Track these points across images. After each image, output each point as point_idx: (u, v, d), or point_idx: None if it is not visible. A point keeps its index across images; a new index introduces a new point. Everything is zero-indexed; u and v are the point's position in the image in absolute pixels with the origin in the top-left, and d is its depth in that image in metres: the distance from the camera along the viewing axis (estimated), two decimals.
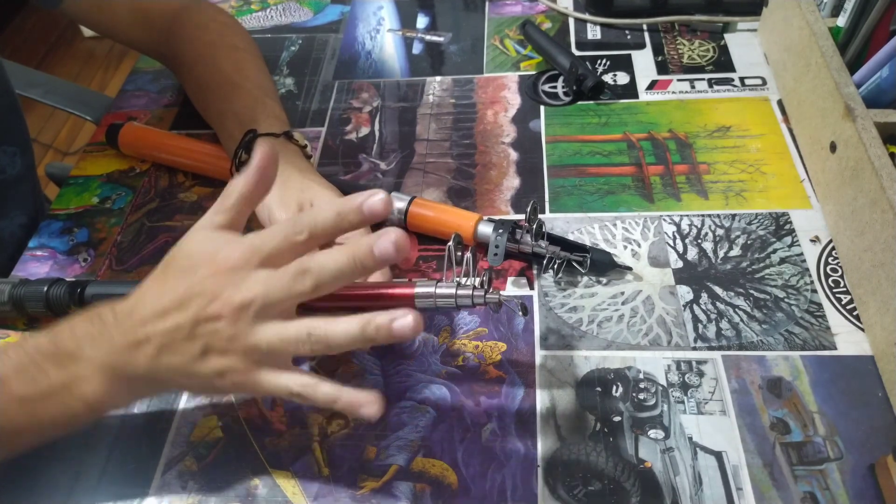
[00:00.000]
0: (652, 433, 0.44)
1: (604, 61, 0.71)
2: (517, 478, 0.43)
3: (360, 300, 0.44)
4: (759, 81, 0.66)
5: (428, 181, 0.61)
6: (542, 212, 0.57)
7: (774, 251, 0.53)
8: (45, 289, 0.50)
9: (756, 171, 0.58)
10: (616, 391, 0.46)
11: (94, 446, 0.46)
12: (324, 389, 0.37)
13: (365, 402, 0.37)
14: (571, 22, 0.76)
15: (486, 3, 0.80)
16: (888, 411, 0.44)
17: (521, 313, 0.45)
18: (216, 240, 0.39)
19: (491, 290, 0.44)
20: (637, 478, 0.42)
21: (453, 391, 0.47)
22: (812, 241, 0.53)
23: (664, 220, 0.56)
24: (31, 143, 0.71)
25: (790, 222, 0.54)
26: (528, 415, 0.45)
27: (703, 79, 0.67)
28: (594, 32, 0.75)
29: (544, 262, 0.52)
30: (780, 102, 0.64)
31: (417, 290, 0.43)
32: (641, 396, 0.46)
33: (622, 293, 0.51)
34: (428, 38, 0.77)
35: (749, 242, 0.53)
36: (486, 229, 0.53)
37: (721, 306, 0.50)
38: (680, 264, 0.53)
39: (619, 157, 0.61)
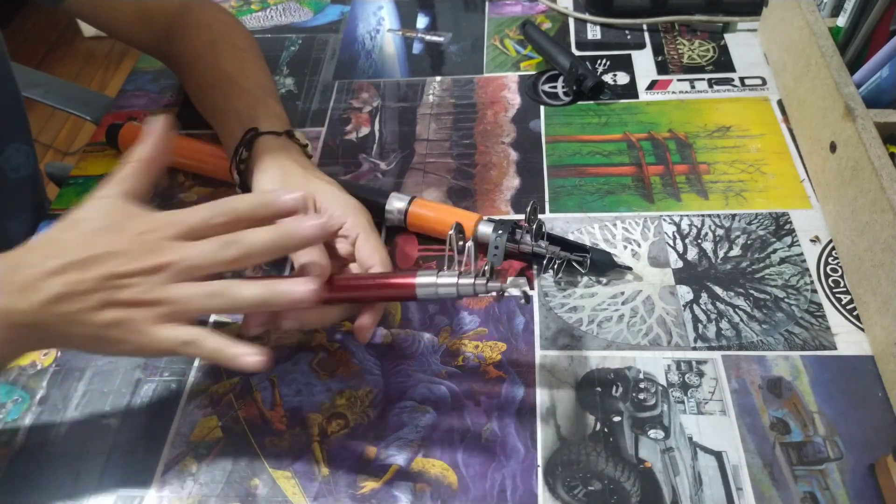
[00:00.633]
0: (652, 433, 0.44)
1: (604, 61, 0.71)
2: (517, 478, 0.43)
3: (362, 290, 0.44)
4: (759, 81, 0.66)
5: (428, 181, 0.61)
6: (542, 212, 0.57)
7: (774, 251, 0.53)
8: None
9: (756, 171, 0.58)
10: (616, 391, 0.46)
11: (94, 446, 0.46)
12: (212, 340, 0.38)
13: (247, 352, 0.38)
14: (571, 22, 0.76)
15: (486, 3, 0.80)
16: (888, 411, 0.44)
17: (523, 300, 0.45)
18: (124, 208, 0.40)
19: (493, 278, 0.43)
20: (637, 478, 0.42)
21: (453, 391, 0.47)
22: (812, 241, 0.53)
23: (664, 220, 0.56)
24: (34, 145, 0.72)
25: (790, 222, 0.54)
26: (528, 415, 0.45)
27: (703, 79, 0.67)
28: (594, 32, 0.75)
29: (544, 262, 0.52)
30: (780, 102, 0.64)
31: (419, 279, 0.43)
32: (641, 396, 0.46)
33: (622, 293, 0.51)
34: (428, 38, 0.77)
35: (749, 242, 0.53)
36: (486, 229, 0.53)
37: (721, 306, 0.50)
38: (680, 264, 0.53)
39: (619, 157, 0.61)
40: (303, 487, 0.43)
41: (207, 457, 0.45)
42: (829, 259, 0.52)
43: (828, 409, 0.44)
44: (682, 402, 0.45)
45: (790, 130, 0.61)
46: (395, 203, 0.55)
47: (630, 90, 0.67)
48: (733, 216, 0.55)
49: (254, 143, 0.53)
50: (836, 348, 0.47)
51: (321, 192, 0.50)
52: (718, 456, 0.43)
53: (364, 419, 0.46)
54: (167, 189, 0.63)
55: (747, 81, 0.67)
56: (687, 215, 0.56)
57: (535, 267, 0.54)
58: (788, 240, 0.53)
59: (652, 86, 0.67)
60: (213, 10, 0.66)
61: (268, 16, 0.82)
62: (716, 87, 0.66)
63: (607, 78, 0.69)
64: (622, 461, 0.43)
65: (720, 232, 0.54)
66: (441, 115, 0.67)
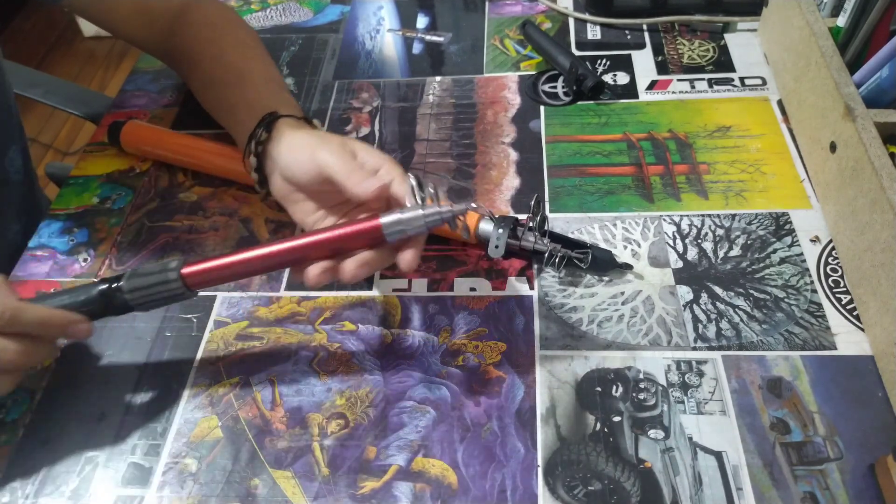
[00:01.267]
0: (652, 433, 0.44)
1: (604, 61, 0.71)
2: (517, 478, 0.43)
3: (330, 243, 0.44)
4: (759, 81, 0.66)
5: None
6: (544, 209, 0.57)
7: (774, 251, 0.53)
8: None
9: (756, 171, 0.58)
10: (616, 391, 0.46)
11: (95, 445, 0.46)
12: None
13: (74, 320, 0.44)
14: (571, 22, 0.76)
15: (486, 3, 0.80)
16: (888, 411, 0.44)
17: (494, 225, 0.44)
18: None
19: (456, 203, 0.43)
20: (637, 478, 0.42)
21: (453, 391, 0.47)
22: (812, 241, 0.53)
23: (664, 220, 0.56)
24: (27, 144, 0.72)
25: (790, 222, 0.54)
26: (528, 415, 0.45)
27: (703, 79, 0.67)
28: (594, 32, 0.75)
29: (545, 257, 0.52)
30: (780, 102, 0.64)
31: (383, 219, 0.43)
32: (641, 396, 0.46)
33: (622, 293, 0.51)
34: (428, 38, 0.77)
35: (749, 242, 0.53)
36: (487, 226, 0.53)
37: (721, 306, 0.50)
38: (680, 264, 0.53)
39: (619, 157, 0.61)
40: (303, 487, 0.43)
41: (207, 457, 0.45)
42: (829, 259, 0.52)
43: (828, 409, 0.44)
44: (682, 402, 0.45)
45: (790, 130, 0.61)
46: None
47: (630, 90, 0.67)
48: (733, 216, 0.55)
49: (273, 125, 0.52)
50: (836, 348, 0.47)
51: (357, 144, 0.48)
52: (718, 456, 0.43)
53: (364, 419, 0.46)
54: (167, 189, 0.63)
55: (747, 81, 0.67)
56: (687, 215, 0.56)
57: (536, 265, 0.54)
58: (788, 240, 0.53)
59: (652, 86, 0.67)
60: (215, 7, 0.66)
61: (268, 16, 0.82)
62: (716, 87, 0.66)
63: (607, 78, 0.69)
64: (622, 461, 0.43)
65: (720, 232, 0.54)
66: (441, 115, 0.67)
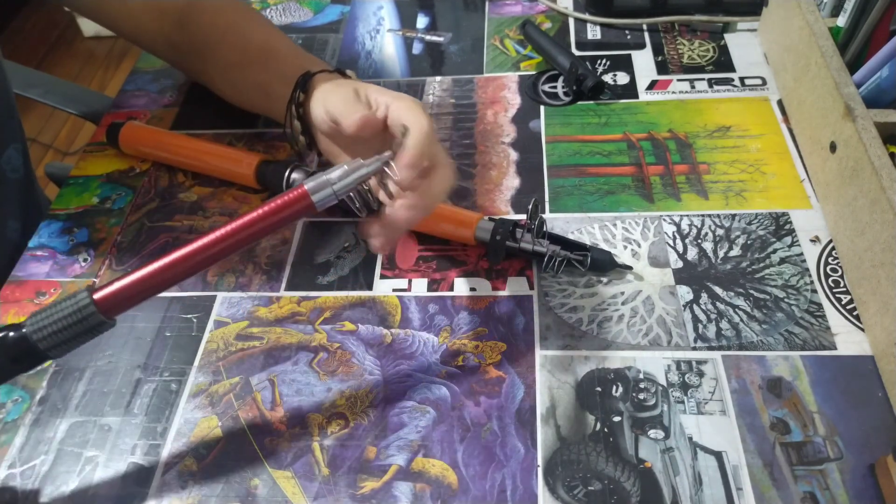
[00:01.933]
0: (652, 433, 0.44)
1: (604, 61, 0.71)
2: (517, 478, 0.43)
3: (259, 222, 0.41)
4: (759, 81, 0.66)
5: None
6: (543, 211, 0.57)
7: (774, 251, 0.53)
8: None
9: (756, 171, 0.58)
10: (616, 391, 0.46)
11: (94, 446, 0.46)
12: None
13: None
14: (571, 22, 0.76)
15: (486, 3, 0.80)
16: (888, 411, 0.44)
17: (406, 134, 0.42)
18: None
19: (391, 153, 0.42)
20: (637, 478, 0.42)
21: (453, 391, 0.47)
22: (812, 241, 0.53)
23: (664, 220, 0.56)
24: (27, 144, 0.72)
25: (790, 222, 0.54)
26: (528, 415, 0.45)
27: (703, 79, 0.67)
28: (594, 32, 0.75)
29: (544, 260, 0.52)
30: (780, 102, 0.64)
31: (309, 184, 0.41)
32: (641, 396, 0.46)
33: (622, 293, 0.51)
34: (428, 38, 0.77)
35: (749, 242, 0.53)
36: (486, 228, 0.53)
37: (721, 306, 0.50)
38: (680, 264, 0.53)
39: (619, 157, 0.61)
40: (303, 487, 0.43)
41: (207, 457, 0.45)
42: (829, 259, 0.52)
43: (828, 409, 0.44)
44: (682, 402, 0.45)
45: (790, 130, 0.61)
46: None
47: (630, 90, 0.67)
48: (733, 216, 0.55)
49: (308, 83, 0.53)
50: (836, 348, 0.47)
51: (373, 88, 0.48)
52: (718, 456, 0.43)
53: (364, 419, 0.46)
54: (167, 189, 0.63)
55: (747, 81, 0.67)
56: (687, 215, 0.56)
57: (535, 266, 0.54)
58: (788, 240, 0.53)
59: (652, 86, 0.67)
60: None
61: (268, 16, 0.82)
62: (716, 87, 0.66)
63: (607, 78, 0.69)
64: (622, 461, 0.43)
65: (720, 232, 0.54)
66: (441, 115, 0.67)
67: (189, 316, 0.53)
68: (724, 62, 0.69)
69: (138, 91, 0.74)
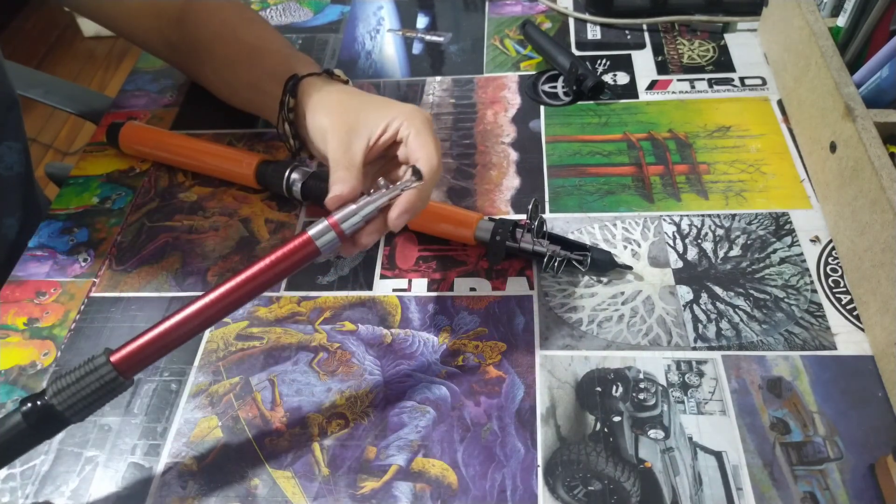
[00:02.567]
0: (652, 433, 0.44)
1: (604, 61, 0.71)
2: (517, 478, 0.43)
3: (267, 271, 0.42)
4: (759, 81, 0.66)
5: None
6: (543, 211, 0.57)
7: (774, 251, 0.53)
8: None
9: (756, 171, 0.58)
10: (616, 391, 0.46)
11: (94, 446, 0.46)
12: None
13: None
14: (571, 22, 0.76)
15: (486, 3, 0.80)
16: (888, 411, 0.44)
17: (415, 179, 0.44)
18: None
19: (386, 187, 0.43)
20: (637, 478, 0.42)
21: (453, 391, 0.47)
22: (812, 241, 0.53)
23: (664, 220, 0.56)
24: (27, 142, 0.72)
25: (790, 222, 0.54)
26: (528, 415, 0.45)
27: (703, 79, 0.67)
28: (594, 32, 0.75)
29: (544, 260, 0.52)
30: (780, 102, 0.64)
31: (312, 230, 0.42)
32: (641, 396, 0.46)
33: (622, 293, 0.51)
34: (428, 38, 0.77)
35: (749, 242, 0.53)
36: (486, 228, 0.53)
37: (721, 306, 0.50)
38: (680, 264, 0.53)
39: (619, 157, 0.61)
40: (303, 487, 0.43)
41: (207, 457, 0.45)
42: (829, 259, 0.52)
43: (828, 409, 0.44)
44: (682, 402, 0.45)
45: (790, 130, 0.61)
46: None
47: (630, 90, 0.67)
48: (733, 216, 0.55)
49: (297, 88, 0.53)
50: (836, 348, 0.47)
51: (373, 106, 0.49)
52: (718, 456, 0.43)
53: (364, 419, 0.46)
54: (167, 189, 0.63)
55: (747, 81, 0.67)
56: (687, 215, 0.56)
57: (535, 266, 0.54)
58: (788, 240, 0.53)
59: (652, 86, 0.67)
60: None
61: (268, 16, 0.82)
62: (716, 87, 0.66)
63: (607, 78, 0.69)
64: (622, 461, 0.43)
65: (720, 232, 0.54)
66: (441, 115, 0.67)
67: None
68: (724, 62, 0.69)
69: (138, 91, 0.74)
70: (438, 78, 0.71)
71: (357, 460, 0.44)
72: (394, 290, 0.53)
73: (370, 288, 0.54)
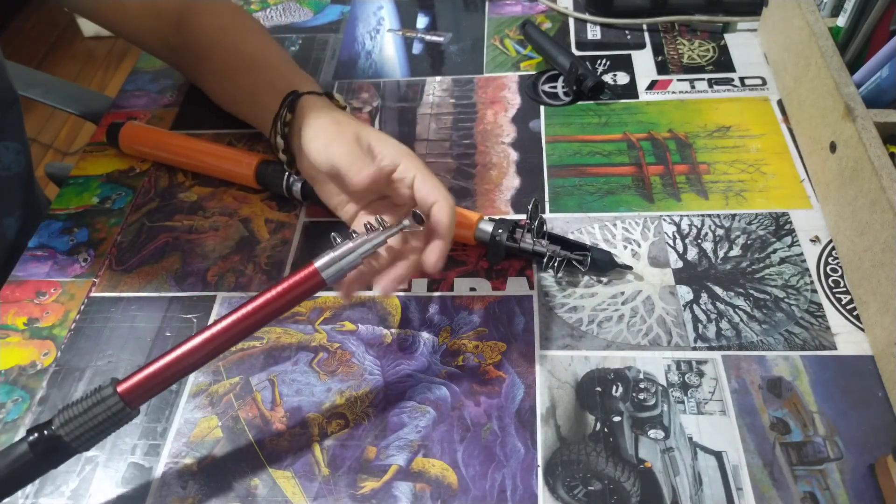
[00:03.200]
0: (652, 433, 0.44)
1: (604, 61, 0.71)
2: (517, 478, 0.43)
3: (273, 303, 0.43)
4: (759, 81, 0.66)
5: None
6: (543, 211, 0.57)
7: (774, 251, 0.53)
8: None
9: (756, 171, 0.58)
10: (616, 391, 0.46)
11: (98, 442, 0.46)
12: None
13: None
14: (571, 22, 0.76)
15: (486, 3, 0.80)
16: (888, 411, 0.44)
17: (419, 225, 0.45)
18: None
19: (386, 225, 0.44)
20: (637, 478, 0.42)
21: (453, 391, 0.47)
22: (812, 241, 0.53)
23: (664, 220, 0.56)
24: (27, 142, 0.72)
25: (790, 222, 0.54)
26: (528, 415, 0.45)
27: (703, 79, 0.67)
28: (594, 32, 0.75)
29: (544, 260, 0.52)
30: (780, 102, 0.64)
31: (317, 262, 0.43)
32: (641, 396, 0.46)
33: (622, 293, 0.51)
34: (428, 38, 0.77)
35: (749, 242, 0.53)
36: (486, 228, 0.53)
37: (721, 306, 0.50)
38: (680, 264, 0.53)
39: (619, 157, 0.61)
40: (303, 487, 0.43)
41: (207, 457, 0.45)
42: (829, 259, 0.52)
43: (828, 409, 0.44)
44: (682, 402, 0.45)
45: (790, 130, 0.61)
46: None
47: (630, 90, 0.67)
48: (733, 216, 0.55)
49: (296, 103, 0.53)
50: (836, 348, 0.47)
51: (374, 136, 0.49)
52: (718, 456, 0.43)
53: (364, 419, 0.46)
54: (167, 189, 0.63)
55: (747, 81, 0.67)
56: (687, 215, 0.56)
57: (535, 266, 0.54)
58: (788, 240, 0.53)
59: (652, 86, 0.67)
60: None
61: (268, 16, 0.82)
62: (716, 87, 0.66)
63: (607, 78, 0.69)
64: (622, 461, 0.43)
65: (720, 232, 0.54)
66: (441, 115, 0.67)
67: (189, 316, 0.53)
68: (724, 62, 0.69)
69: (138, 91, 0.74)
70: (438, 78, 0.71)
71: (357, 460, 0.44)
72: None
73: (370, 288, 0.54)
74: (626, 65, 0.70)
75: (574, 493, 0.42)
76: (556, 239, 0.53)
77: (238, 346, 0.51)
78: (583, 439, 0.44)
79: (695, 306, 0.50)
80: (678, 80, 0.68)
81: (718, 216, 0.55)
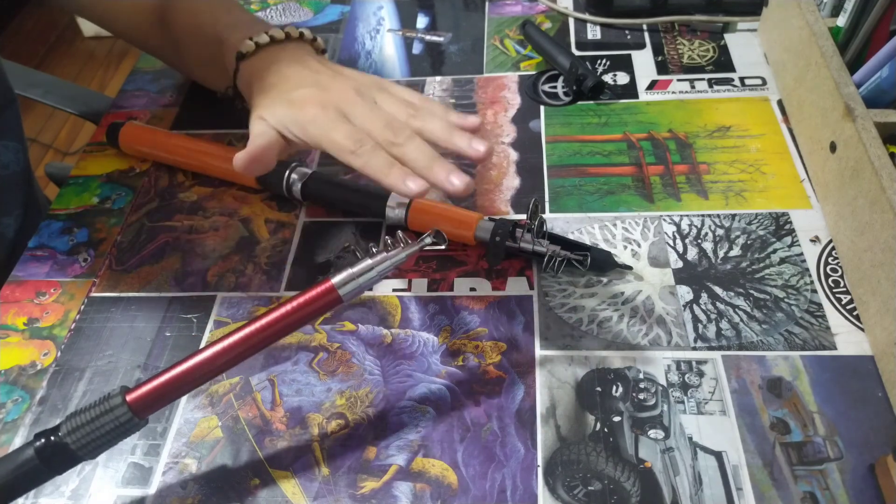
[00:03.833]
0: (652, 433, 0.44)
1: (604, 61, 0.71)
2: (517, 478, 0.43)
3: (287, 318, 0.42)
4: (759, 81, 0.66)
5: None
6: (543, 211, 0.57)
7: (774, 251, 0.53)
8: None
9: (756, 171, 0.58)
10: (616, 391, 0.46)
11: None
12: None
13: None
14: (571, 22, 0.76)
15: (486, 3, 0.80)
16: (888, 411, 0.44)
17: (439, 242, 0.44)
18: None
19: (406, 243, 0.43)
20: (637, 478, 0.42)
21: (453, 391, 0.47)
22: (812, 241, 0.53)
23: (664, 220, 0.56)
24: (26, 141, 0.72)
25: (790, 222, 0.54)
26: (528, 415, 0.45)
27: (703, 79, 0.67)
28: (594, 32, 0.75)
29: (544, 260, 0.52)
30: (780, 102, 0.64)
31: (335, 279, 0.42)
32: (641, 396, 0.46)
33: (622, 293, 0.51)
34: (428, 38, 0.77)
35: (749, 242, 0.53)
36: (485, 229, 0.53)
37: (721, 306, 0.50)
38: (680, 264, 0.53)
39: (619, 157, 0.61)
40: (303, 487, 0.43)
41: (207, 457, 0.45)
42: (829, 259, 0.52)
43: (828, 409, 0.44)
44: (682, 402, 0.45)
45: (790, 130, 0.61)
46: (396, 203, 0.55)
47: (630, 90, 0.67)
48: (733, 216, 0.55)
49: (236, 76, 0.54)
50: (836, 348, 0.47)
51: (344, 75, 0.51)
52: (718, 456, 0.43)
53: (364, 419, 0.46)
54: (167, 189, 0.63)
55: (747, 81, 0.67)
56: (687, 215, 0.56)
57: (535, 266, 0.54)
58: (788, 240, 0.53)
59: (652, 86, 0.67)
60: None
61: (268, 16, 0.82)
62: (716, 87, 0.66)
63: (607, 78, 0.69)
64: (622, 461, 0.43)
65: (720, 232, 0.54)
66: None
67: (189, 316, 0.53)
68: (724, 62, 0.69)
69: (138, 91, 0.74)
70: (438, 78, 0.71)
71: (357, 460, 0.44)
72: (394, 290, 0.53)
73: (370, 288, 0.53)
74: (626, 65, 0.70)
75: (574, 493, 0.42)
76: (556, 239, 0.53)
77: None
78: (583, 439, 0.44)
79: (695, 306, 0.50)
80: (678, 80, 0.68)
81: (718, 216, 0.55)
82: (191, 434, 0.46)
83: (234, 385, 0.49)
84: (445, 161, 0.45)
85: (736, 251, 0.53)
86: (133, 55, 0.76)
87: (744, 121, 0.63)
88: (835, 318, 0.48)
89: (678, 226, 0.55)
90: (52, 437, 0.39)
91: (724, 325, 0.49)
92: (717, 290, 0.51)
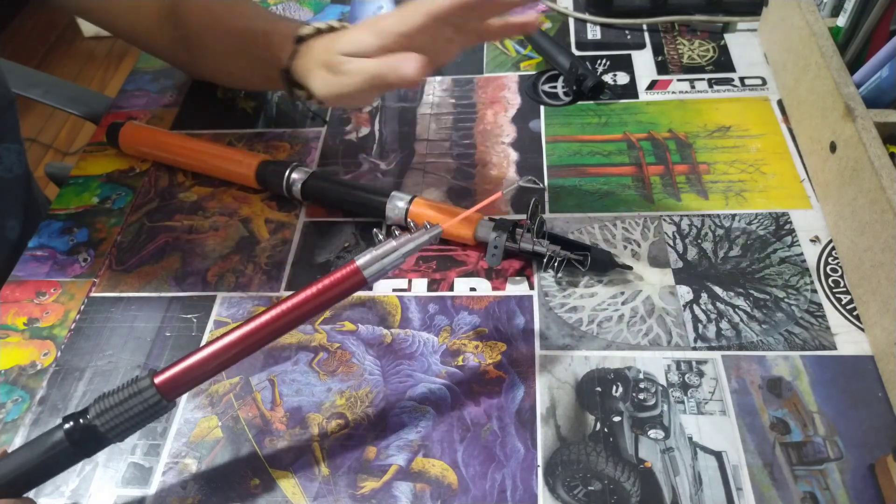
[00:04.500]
0: (652, 433, 0.44)
1: (604, 61, 0.71)
2: (517, 478, 0.43)
3: (313, 300, 0.42)
4: (759, 81, 0.66)
5: (428, 181, 0.61)
6: (543, 211, 0.57)
7: (774, 251, 0.53)
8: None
9: (756, 171, 0.58)
10: (616, 391, 0.46)
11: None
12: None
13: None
14: (571, 22, 0.76)
15: None
16: (888, 411, 0.44)
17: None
18: None
19: (426, 225, 0.43)
20: (637, 478, 0.42)
21: (453, 391, 0.47)
22: (812, 241, 0.53)
23: (664, 220, 0.56)
24: (23, 142, 0.72)
25: (790, 222, 0.54)
26: (528, 415, 0.45)
27: (703, 79, 0.67)
28: (594, 32, 0.75)
29: (544, 260, 0.52)
30: (780, 102, 0.64)
31: (359, 260, 0.42)
32: (641, 396, 0.46)
33: (622, 293, 0.51)
34: None
35: (749, 242, 0.53)
36: (485, 229, 0.53)
37: (721, 306, 0.50)
38: (680, 264, 0.53)
39: (619, 157, 0.61)
40: (303, 487, 0.43)
41: (207, 457, 0.45)
42: (829, 259, 0.52)
43: (828, 409, 0.44)
44: (682, 402, 0.45)
45: (790, 130, 0.61)
46: (396, 202, 0.55)
47: (630, 90, 0.67)
48: (733, 216, 0.55)
49: (290, 73, 0.56)
50: (836, 348, 0.47)
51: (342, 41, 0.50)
52: (718, 456, 0.43)
53: (364, 419, 0.46)
54: (167, 189, 0.63)
55: (747, 81, 0.67)
56: (687, 215, 0.56)
57: (535, 266, 0.54)
58: (788, 240, 0.53)
59: (652, 86, 0.67)
60: None
61: None
62: (716, 87, 0.66)
63: (607, 78, 0.69)
64: (622, 461, 0.43)
65: (720, 232, 0.54)
66: (441, 115, 0.67)
67: (189, 316, 0.53)
68: (724, 62, 0.69)
69: (138, 91, 0.74)
70: (438, 78, 0.71)
71: (357, 460, 0.44)
72: (394, 290, 0.53)
73: (370, 288, 0.54)
74: (626, 65, 0.70)
75: (574, 493, 0.42)
76: (556, 239, 0.53)
77: None
78: (583, 439, 0.44)
79: (695, 306, 0.50)
80: (678, 80, 0.68)
81: (718, 216, 0.55)
82: (191, 434, 0.46)
83: (234, 385, 0.49)
84: None
85: (736, 251, 0.53)
86: (133, 55, 0.76)
87: (744, 121, 0.63)
88: (835, 318, 0.48)
89: (678, 226, 0.55)
90: (81, 420, 0.40)
91: (724, 325, 0.49)
92: (717, 290, 0.51)
